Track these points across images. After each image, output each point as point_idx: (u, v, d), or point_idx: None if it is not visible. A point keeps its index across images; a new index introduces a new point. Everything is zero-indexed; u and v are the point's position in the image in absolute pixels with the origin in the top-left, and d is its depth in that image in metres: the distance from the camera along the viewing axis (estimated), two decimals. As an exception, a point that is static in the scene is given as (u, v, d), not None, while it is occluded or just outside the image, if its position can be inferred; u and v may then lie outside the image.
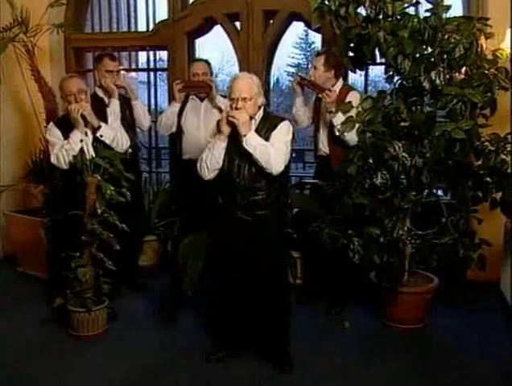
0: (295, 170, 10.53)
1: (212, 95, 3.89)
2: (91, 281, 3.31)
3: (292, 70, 21.34)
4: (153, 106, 5.03)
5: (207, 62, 4.06)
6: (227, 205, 2.89)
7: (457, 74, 3.16)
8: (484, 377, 2.89)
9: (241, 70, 4.45)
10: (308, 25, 4.39)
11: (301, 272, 4.06)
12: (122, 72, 4.49)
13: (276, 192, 2.86)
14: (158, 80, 5.16)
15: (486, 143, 3.17)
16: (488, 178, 3.21)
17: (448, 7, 3.12)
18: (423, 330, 3.44)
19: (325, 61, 3.63)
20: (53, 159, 3.35)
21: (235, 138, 2.80)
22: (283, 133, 2.85)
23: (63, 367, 3.04)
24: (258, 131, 2.82)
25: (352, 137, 3.40)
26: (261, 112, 2.88)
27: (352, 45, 3.41)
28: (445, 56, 3.06)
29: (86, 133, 3.33)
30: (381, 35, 3.12)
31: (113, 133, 3.47)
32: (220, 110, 3.55)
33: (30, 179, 4.56)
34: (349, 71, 3.99)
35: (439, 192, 3.40)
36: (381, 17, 3.16)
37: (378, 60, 3.40)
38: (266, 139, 2.81)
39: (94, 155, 3.30)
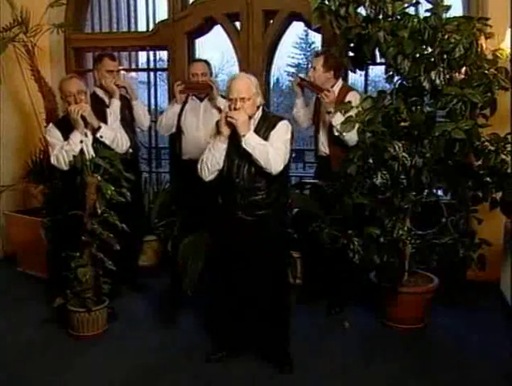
0: (295, 170, 10.53)
1: (213, 95, 3.89)
2: (91, 281, 3.31)
3: (292, 70, 21.37)
4: (153, 106, 5.03)
5: (206, 62, 4.05)
6: (227, 205, 2.89)
7: (457, 74, 3.16)
8: (484, 377, 2.89)
9: (241, 70, 4.46)
10: (308, 25, 4.39)
11: (301, 272, 4.06)
12: (122, 72, 4.50)
13: (276, 192, 2.86)
14: (158, 80, 5.15)
15: (486, 143, 3.17)
16: (488, 178, 3.21)
17: (448, 7, 3.12)
18: (423, 330, 3.44)
19: (324, 62, 3.63)
20: (53, 160, 3.35)
21: (234, 139, 2.81)
22: (282, 132, 2.85)
23: (63, 367, 3.04)
24: (256, 131, 2.82)
25: (351, 136, 3.40)
26: (259, 112, 2.88)
27: (352, 45, 3.41)
28: (445, 56, 3.06)
29: (86, 134, 3.33)
30: (381, 35, 3.12)
31: (113, 134, 3.47)
32: (220, 111, 3.55)
33: (30, 179, 4.56)
34: (349, 71, 3.99)
35: (439, 192, 3.40)
36: (381, 17, 3.16)
37: (378, 60, 3.40)
38: (265, 139, 2.81)
39: (94, 156, 3.30)
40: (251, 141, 2.75)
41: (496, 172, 3.17)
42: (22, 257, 4.52)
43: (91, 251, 3.29)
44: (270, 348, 3.04)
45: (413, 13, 3.20)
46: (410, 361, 3.07)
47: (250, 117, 2.82)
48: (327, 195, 3.53)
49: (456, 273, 3.75)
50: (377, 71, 4.63)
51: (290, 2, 4.34)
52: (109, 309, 3.47)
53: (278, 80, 19.17)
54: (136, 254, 4.34)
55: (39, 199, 4.46)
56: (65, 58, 4.97)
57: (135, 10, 5.70)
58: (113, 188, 3.23)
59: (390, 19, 3.15)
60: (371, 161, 3.25)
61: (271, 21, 4.47)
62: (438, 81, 3.04)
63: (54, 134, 3.39)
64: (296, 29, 19.86)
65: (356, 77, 4.51)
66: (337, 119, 3.45)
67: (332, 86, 3.65)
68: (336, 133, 3.48)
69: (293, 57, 22.58)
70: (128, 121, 3.98)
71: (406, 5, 3.17)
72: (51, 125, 3.52)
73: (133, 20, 5.89)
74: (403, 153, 3.11)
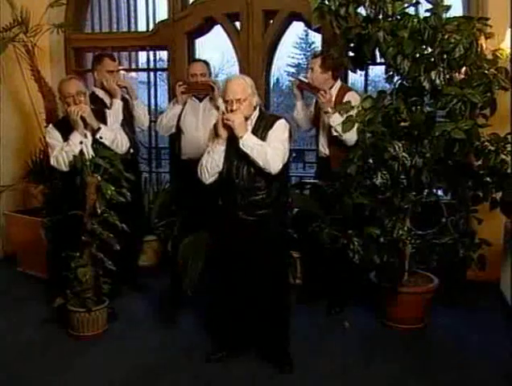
0: (295, 170, 10.53)
1: (214, 95, 3.89)
2: (91, 281, 3.31)
3: (292, 70, 21.37)
4: (153, 106, 5.03)
5: (205, 62, 4.06)
6: (227, 205, 2.89)
7: (457, 74, 3.16)
8: (484, 377, 2.89)
9: (241, 70, 4.46)
10: (308, 25, 4.39)
11: (301, 272, 4.05)
12: (122, 72, 4.49)
13: (276, 192, 2.86)
14: (158, 80, 5.16)
15: (486, 143, 3.17)
16: (488, 178, 3.21)
17: (448, 7, 3.12)
18: (423, 330, 3.44)
19: (322, 63, 3.63)
20: (53, 161, 3.35)
21: (232, 140, 2.80)
22: (280, 131, 2.84)
23: (63, 367, 3.04)
24: (254, 131, 2.82)
25: (350, 137, 3.40)
26: (256, 113, 2.88)
27: (352, 45, 3.40)
28: (445, 56, 3.06)
29: (86, 135, 3.33)
30: (381, 35, 3.12)
31: (113, 135, 3.46)
32: (220, 111, 3.55)
33: (30, 179, 4.56)
34: (349, 71, 3.99)
35: (439, 192, 3.40)
36: (381, 17, 3.16)
37: (378, 60, 3.40)
38: (263, 139, 2.80)
39: (94, 156, 3.30)
40: (249, 142, 2.75)
41: (496, 172, 3.17)
42: (22, 257, 4.52)
43: (91, 251, 3.29)
44: (270, 348, 3.04)
45: (413, 13, 3.20)
46: (410, 361, 3.07)
47: (247, 118, 2.82)
48: (327, 195, 3.53)
49: (456, 273, 3.75)
50: (377, 71, 4.63)
51: (290, 2, 4.33)
52: (109, 309, 3.47)
53: (278, 80, 19.18)
54: (136, 254, 4.34)
55: (39, 199, 4.46)
56: (65, 58, 4.97)
57: (135, 10, 5.71)
58: (113, 188, 3.23)
59: (389, 19, 3.15)
60: (371, 161, 3.25)
61: (271, 21, 4.46)
62: (438, 81, 3.04)
63: (53, 135, 3.38)
64: (296, 29, 19.91)
65: (356, 77, 4.52)
66: (335, 119, 3.45)
67: (331, 87, 3.64)
68: (335, 134, 3.49)
69: (293, 57, 22.62)
70: (128, 121, 3.98)
71: (406, 5, 3.17)
72: (50, 126, 3.52)
73: (133, 20, 5.90)
74: (403, 154, 3.11)
